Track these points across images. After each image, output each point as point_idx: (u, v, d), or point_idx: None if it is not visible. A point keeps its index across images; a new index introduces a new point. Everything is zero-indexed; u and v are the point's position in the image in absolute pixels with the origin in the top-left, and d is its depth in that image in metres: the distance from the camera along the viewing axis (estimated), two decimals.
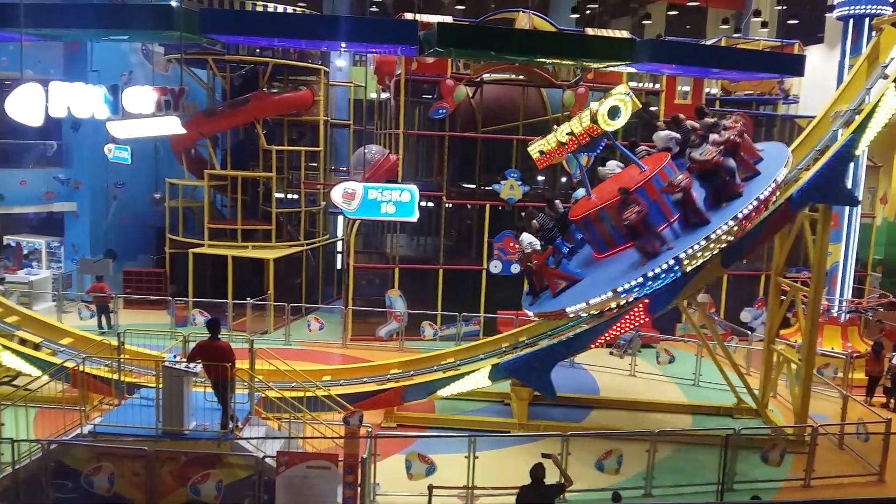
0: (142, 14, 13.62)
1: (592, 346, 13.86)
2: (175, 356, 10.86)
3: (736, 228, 11.54)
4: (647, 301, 12.03)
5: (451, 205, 20.81)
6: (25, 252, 23.11)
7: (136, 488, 10.02)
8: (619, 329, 12.74)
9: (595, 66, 17.88)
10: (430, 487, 10.18)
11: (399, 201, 13.35)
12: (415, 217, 13.78)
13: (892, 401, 15.94)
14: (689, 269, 11.59)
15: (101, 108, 14.85)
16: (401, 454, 11.41)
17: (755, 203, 11.59)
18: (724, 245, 11.70)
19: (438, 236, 20.45)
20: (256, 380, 11.13)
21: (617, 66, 16.25)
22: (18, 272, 21.74)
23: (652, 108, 21.49)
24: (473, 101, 20.99)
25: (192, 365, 10.13)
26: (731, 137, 12.26)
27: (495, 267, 19.86)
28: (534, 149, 13.13)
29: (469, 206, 21.62)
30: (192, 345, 10.60)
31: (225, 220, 23.11)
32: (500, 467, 11.68)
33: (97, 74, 18.35)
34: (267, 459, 10.01)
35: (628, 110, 11.93)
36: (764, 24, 28.07)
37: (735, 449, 11.80)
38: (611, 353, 18.76)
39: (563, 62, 18.07)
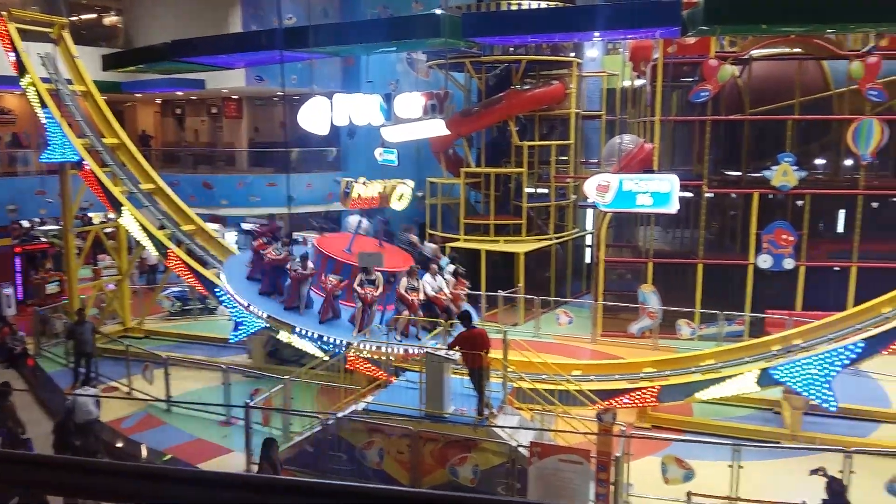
0: (412, 24, 14.63)
1: (884, 352, 12.13)
2: (436, 343, 11.49)
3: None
4: None
5: (712, 194, 19.42)
6: None
7: (400, 466, 10.79)
8: None
9: (893, 30, 15.43)
10: (689, 494, 9.58)
11: (657, 192, 12.74)
12: (674, 208, 13.06)
13: None
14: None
15: (377, 116, 16.34)
16: (656, 456, 10.88)
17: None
18: None
19: (697, 228, 19.19)
20: (509, 370, 11.37)
21: None
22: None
23: None
24: (740, 80, 19.34)
25: (451, 352, 10.63)
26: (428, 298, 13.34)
27: (764, 262, 18.10)
28: (356, 188, 14.59)
29: (734, 196, 20.00)
30: (452, 333, 11.15)
31: (479, 215, 24.04)
32: (767, 480, 10.62)
33: (371, 85, 20.17)
34: (520, 448, 10.16)
35: (407, 200, 15.59)
36: None
37: None
38: None
39: (853, 29, 15.84)
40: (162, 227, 17.72)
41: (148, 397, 14.40)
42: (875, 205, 19.48)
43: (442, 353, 10.72)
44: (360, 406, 11.34)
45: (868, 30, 15.74)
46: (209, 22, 22.82)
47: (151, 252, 17.56)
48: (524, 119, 23.35)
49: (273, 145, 26.06)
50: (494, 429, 10.50)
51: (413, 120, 18.18)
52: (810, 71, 19.36)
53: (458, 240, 22.34)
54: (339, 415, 11.31)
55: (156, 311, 20.81)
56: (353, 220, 16.67)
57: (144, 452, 12.38)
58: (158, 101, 29.25)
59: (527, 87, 22.87)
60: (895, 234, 18.35)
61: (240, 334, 15.63)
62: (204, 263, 17.17)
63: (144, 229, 16.96)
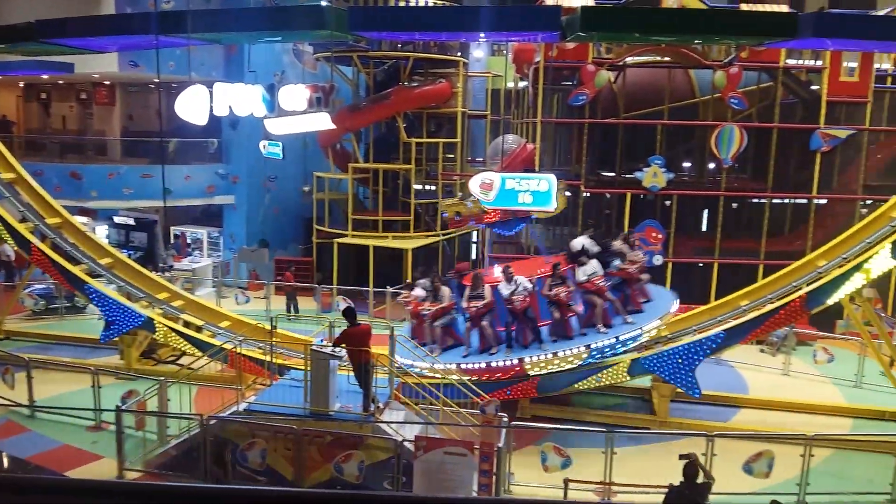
0: (295, 15, 14.29)
1: (742, 342, 13.16)
2: (322, 340, 11.37)
3: (584, 354, 12.54)
4: (804, 295, 11.19)
5: (589, 194, 20.32)
6: (189, 242, 25.17)
7: (286, 461, 10.62)
8: (772, 325, 11.91)
9: (751, 43, 16.73)
10: (566, 481, 10.02)
11: (536, 191, 13.17)
12: (553, 207, 13.56)
13: None
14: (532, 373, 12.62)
15: (259, 107, 15.88)
16: (536, 445, 11.32)
17: (611, 342, 12.70)
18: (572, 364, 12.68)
19: (576, 226, 20.03)
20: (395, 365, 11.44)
21: (776, 42, 15.08)
22: (183, 260, 23.71)
23: (814, 87, 19.83)
24: (615, 85, 20.33)
25: (337, 349, 10.56)
26: (629, 270, 13.50)
27: None
28: (451, 207, 13.85)
29: (608, 195, 21.01)
30: (337, 330, 11.07)
31: (367, 211, 23.95)
32: (639, 465, 11.28)
33: (254, 75, 19.57)
34: (405, 443, 10.26)
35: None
36: None
37: None
38: (762, 351, 17.58)
39: (717, 41, 17.05)
40: (24, 220, 16.48)
41: (8, 402, 13.36)
42: (735, 205, 21.08)
43: (327, 350, 10.63)
44: (242, 406, 11.07)
45: (730, 42, 16.97)
46: (79, 1, 21.36)
47: (9, 247, 16.25)
48: (412, 116, 23.47)
49: (148, 134, 24.73)
50: (380, 424, 10.54)
51: (298, 112, 17.86)
52: (679, 79, 20.65)
53: (346, 235, 22.18)
54: (218, 416, 10.99)
55: (17, 311, 19.32)
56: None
57: (5, 461, 11.49)
58: (21, 84, 27.07)
59: (414, 84, 22.99)
60: (753, 233, 19.91)
61: (111, 334, 14.83)
62: (71, 259, 16.12)
63: (4, 222, 15.72)
